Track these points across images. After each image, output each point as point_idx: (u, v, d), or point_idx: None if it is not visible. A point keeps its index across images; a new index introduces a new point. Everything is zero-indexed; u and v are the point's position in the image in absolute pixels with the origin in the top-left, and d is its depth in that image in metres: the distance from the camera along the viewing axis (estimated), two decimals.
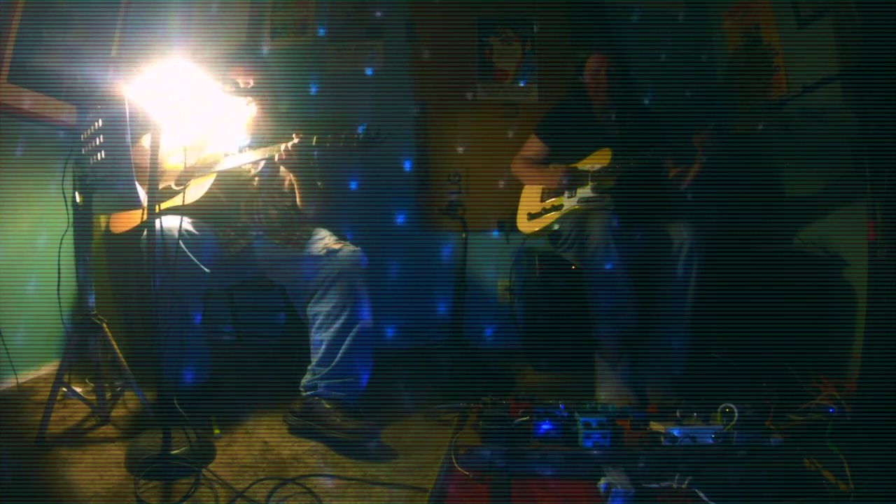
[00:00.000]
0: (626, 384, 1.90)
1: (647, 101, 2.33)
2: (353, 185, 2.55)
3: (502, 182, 2.54)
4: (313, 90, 2.67)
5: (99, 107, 1.52)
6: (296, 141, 1.74)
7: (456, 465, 1.38)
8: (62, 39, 2.05)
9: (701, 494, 1.25)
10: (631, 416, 1.49)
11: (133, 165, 1.52)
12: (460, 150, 2.74)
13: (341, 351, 1.70)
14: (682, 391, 1.87)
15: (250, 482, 1.37)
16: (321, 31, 2.74)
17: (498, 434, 1.44)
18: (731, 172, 2.28)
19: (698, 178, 2.03)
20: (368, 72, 2.71)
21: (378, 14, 2.74)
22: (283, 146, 1.76)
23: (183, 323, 1.63)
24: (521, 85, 2.77)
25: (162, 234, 1.52)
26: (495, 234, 2.72)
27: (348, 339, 1.70)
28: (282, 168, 1.99)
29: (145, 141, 1.80)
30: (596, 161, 2.12)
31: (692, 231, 1.92)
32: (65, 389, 1.64)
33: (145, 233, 1.62)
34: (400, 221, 2.74)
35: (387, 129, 1.72)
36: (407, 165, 2.77)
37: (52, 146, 2.02)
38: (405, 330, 2.63)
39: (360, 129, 1.70)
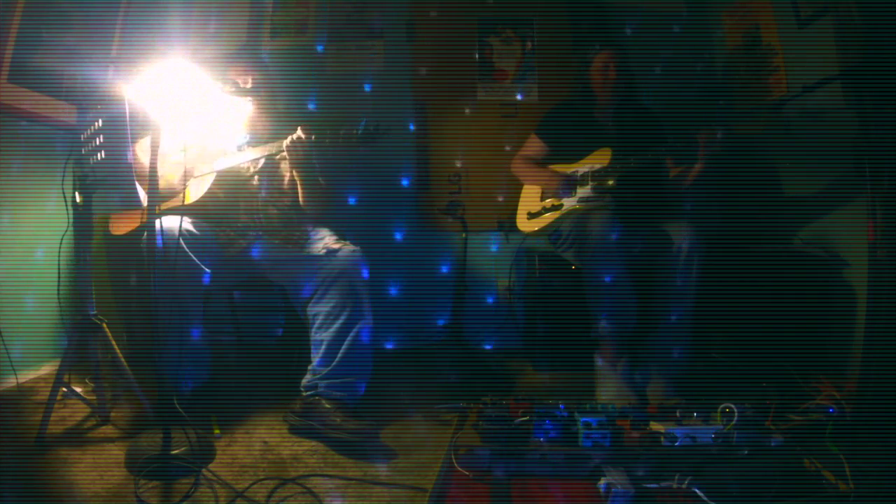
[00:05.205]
0: (626, 384, 1.90)
1: (647, 101, 2.33)
2: (355, 188, 2.54)
3: (502, 182, 2.54)
4: (313, 90, 2.67)
5: (99, 107, 1.52)
6: (299, 135, 1.74)
7: (456, 465, 1.38)
8: (62, 39, 2.05)
9: (701, 494, 1.25)
10: (631, 416, 1.49)
11: (133, 165, 1.52)
12: (460, 150, 2.75)
13: (341, 351, 1.70)
14: (682, 391, 1.86)
15: (250, 482, 1.37)
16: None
17: (498, 434, 1.44)
18: (732, 172, 2.28)
19: (699, 178, 2.03)
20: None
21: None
22: (285, 141, 1.76)
23: (183, 323, 1.63)
24: (521, 85, 2.77)
25: (162, 235, 1.52)
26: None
27: (348, 338, 1.70)
28: (282, 166, 1.99)
29: (145, 141, 1.80)
30: (596, 161, 2.12)
31: (692, 231, 1.92)
32: (65, 389, 1.64)
33: (146, 233, 1.62)
34: (400, 221, 2.73)
35: (386, 126, 1.73)
36: (407, 165, 2.76)
37: (52, 146, 2.01)
38: (405, 330, 2.63)
39: (359, 126, 1.71)
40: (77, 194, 1.57)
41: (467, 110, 2.75)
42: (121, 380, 1.69)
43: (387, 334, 2.64)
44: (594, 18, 2.76)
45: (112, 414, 1.71)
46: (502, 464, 1.40)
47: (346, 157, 2.50)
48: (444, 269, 2.68)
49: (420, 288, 2.66)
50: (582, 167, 2.15)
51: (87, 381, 1.81)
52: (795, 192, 2.36)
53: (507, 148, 2.53)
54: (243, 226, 1.94)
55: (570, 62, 2.45)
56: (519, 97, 2.76)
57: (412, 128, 2.76)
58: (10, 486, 1.33)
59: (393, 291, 2.63)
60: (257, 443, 1.62)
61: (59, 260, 1.62)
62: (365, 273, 1.76)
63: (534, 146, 2.34)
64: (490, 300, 2.71)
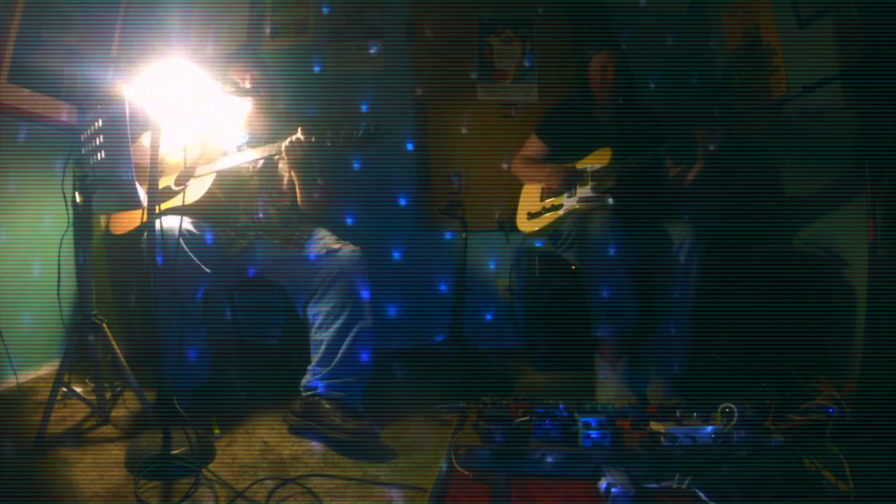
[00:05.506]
0: (626, 384, 1.90)
1: (647, 101, 2.33)
2: (355, 189, 2.54)
3: (502, 182, 2.54)
4: (313, 90, 2.67)
5: (99, 107, 1.52)
6: (297, 136, 1.74)
7: (456, 465, 1.37)
8: (62, 39, 2.05)
9: (701, 494, 1.25)
10: (631, 416, 1.49)
11: (133, 165, 1.52)
12: (460, 150, 2.74)
13: (341, 351, 1.70)
14: (682, 391, 1.86)
15: (250, 482, 1.37)
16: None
17: (498, 434, 1.44)
18: (732, 172, 2.28)
19: (699, 178, 2.03)
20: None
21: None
22: (285, 142, 1.77)
23: (183, 323, 1.63)
24: (521, 85, 2.77)
25: (162, 235, 1.52)
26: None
27: (348, 338, 1.70)
28: (281, 166, 1.99)
29: (145, 141, 1.80)
30: (596, 161, 2.12)
31: (692, 231, 1.92)
32: (65, 389, 1.64)
33: (146, 233, 1.62)
34: (400, 221, 2.73)
35: (386, 127, 1.73)
36: (407, 166, 2.76)
37: (52, 146, 2.01)
38: (405, 330, 2.62)
39: (359, 127, 1.71)
40: (77, 194, 1.57)
41: (467, 110, 2.75)
42: (121, 380, 1.69)
43: (387, 334, 2.64)
44: (594, 18, 2.76)
45: (112, 414, 1.71)
46: (502, 464, 1.40)
47: (346, 157, 2.51)
48: (444, 270, 2.67)
49: (420, 288, 2.65)
50: (581, 167, 2.15)
51: (87, 381, 1.81)
52: (795, 192, 2.36)
53: (509, 139, 2.52)
54: (243, 226, 1.94)
55: (569, 62, 2.45)
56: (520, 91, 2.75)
57: (412, 128, 2.75)
58: (10, 486, 1.33)
59: (393, 291, 2.63)
60: (257, 443, 1.62)
61: (58, 260, 1.62)
62: (364, 273, 1.76)
63: (534, 146, 2.34)
64: (490, 300, 2.70)
